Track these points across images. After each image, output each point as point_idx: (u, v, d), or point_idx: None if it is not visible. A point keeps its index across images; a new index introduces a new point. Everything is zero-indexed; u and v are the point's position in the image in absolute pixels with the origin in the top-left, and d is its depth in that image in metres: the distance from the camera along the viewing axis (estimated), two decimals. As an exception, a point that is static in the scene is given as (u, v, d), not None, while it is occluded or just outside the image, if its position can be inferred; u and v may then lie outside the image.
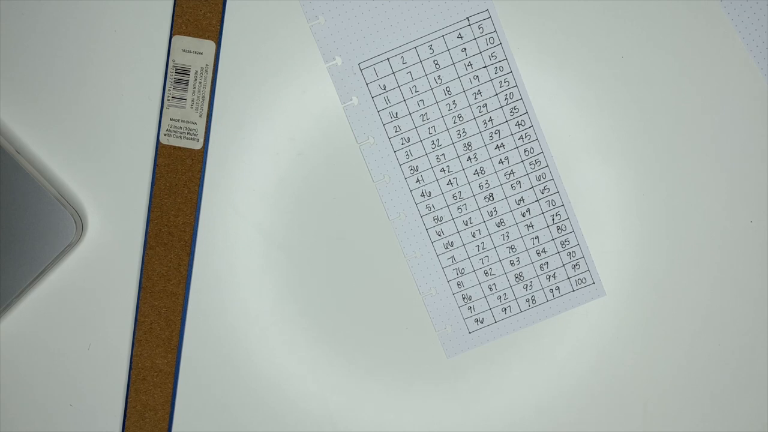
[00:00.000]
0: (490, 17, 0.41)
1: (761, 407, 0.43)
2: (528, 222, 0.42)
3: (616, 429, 0.43)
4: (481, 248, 0.42)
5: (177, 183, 0.41)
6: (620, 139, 0.42)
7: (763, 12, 0.42)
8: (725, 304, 0.43)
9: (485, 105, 0.41)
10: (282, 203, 0.42)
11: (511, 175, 0.42)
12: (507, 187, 0.42)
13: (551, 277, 0.42)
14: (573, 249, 0.42)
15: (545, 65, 0.42)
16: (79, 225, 0.40)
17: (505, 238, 0.42)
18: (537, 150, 0.42)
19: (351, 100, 0.41)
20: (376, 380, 0.42)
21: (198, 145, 0.41)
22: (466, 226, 0.42)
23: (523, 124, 0.42)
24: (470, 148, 0.42)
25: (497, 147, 0.42)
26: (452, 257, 0.42)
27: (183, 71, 0.41)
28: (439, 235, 0.42)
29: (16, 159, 0.40)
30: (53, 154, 0.41)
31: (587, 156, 0.42)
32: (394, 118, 0.41)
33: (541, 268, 0.42)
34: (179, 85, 0.41)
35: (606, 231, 0.42)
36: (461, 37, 0.41)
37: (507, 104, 0.41)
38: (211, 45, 0.41)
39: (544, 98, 0.42)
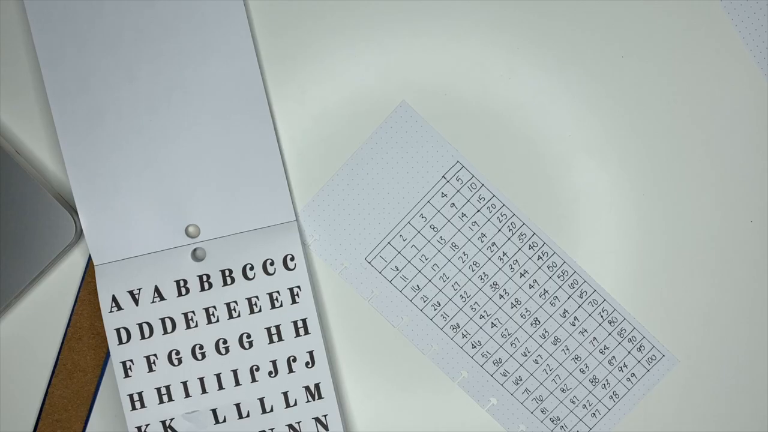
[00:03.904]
0: (463, 167, 0.42)
1: (761, 407, 0.43)
2: (580, 329, 0.43)
3: (617, 429, 0.43)
4: (549, 371, 0.43)
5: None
6: (620, 138, 0.43)
7: (763, 12, 0.42)
8: (725, 304, 0.43)
9: (494, 243, 0.42)
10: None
11: (546, 294, 0.43)
12: (547, 305, 0.43)
13: (623, 368, 0.43)
14: (632, 334, 0.43)
15: (545, 65, 0.42)
16: (79, 225, 0.40)
17: (566, 352, 0.43)
18: (559, 262, 0.42)
19: (371, 292, 0.42)
20: (376, 380, 0.43)
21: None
22: (525, 357, 0.43)
23: (535, 245, 0.42)
24: (497, 286, 0.42)
25: (521, 275, 0.42)
26: (526, 390, 0.43)
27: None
28: (515, 382, 0.43)
29: (16, 159, 0.40)
30: (53, 154, 0.42)
31: (587, 156, 0.43)
32: (417, 291, 0.42)
33: (610, 363, 0.43)
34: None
35: (606, 231, 0.43)
36: (445, 195, 0.42)
37: (513, 234, 0.42)
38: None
39: (544, 98, 0.42)
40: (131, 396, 0.40)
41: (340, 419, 0.41)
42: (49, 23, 0.41)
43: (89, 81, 0.41)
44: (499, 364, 0.43)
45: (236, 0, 0.41)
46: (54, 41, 0.41)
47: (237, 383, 0.41)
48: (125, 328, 0.40)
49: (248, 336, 0.41)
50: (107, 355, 0.42)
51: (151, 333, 0.41)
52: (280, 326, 0.41)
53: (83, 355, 0.42)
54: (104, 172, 0.41)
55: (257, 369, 0.41)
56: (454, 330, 0.42)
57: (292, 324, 0.41)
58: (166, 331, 0.41)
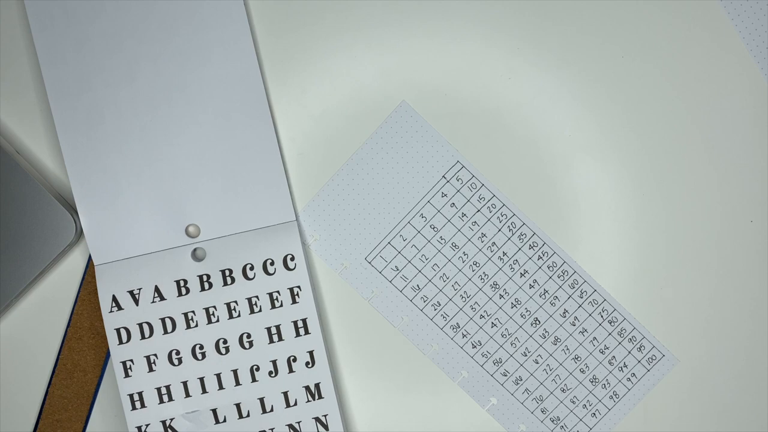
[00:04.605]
0: (463, 167, 0.42)
1: (761, 407, 0.43)
2: (580, 329, 0.43)
3: (617, 429, 0.43)
4: (549, 371, 0.43)
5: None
6: (620, 138, 0.43)
7: (763, 12, 0.42)
8: (725, 304, 0.43)
9: (494, 243, 0.42)
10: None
11: (546, 294, 0.43)
12: (547, 305, 0.43)
13: (623, 368, 0.43)
14: (632, 334, 0.43)
15: (545, 65, 0.42)
16: (79, 225, 0.40)
17: (566, 352, 0.43)
18: (559, 262, 0.42)
19: (371, 292, 0.42)
20: (376, 380, 0.43)
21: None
22: (525, 357, 0.43)
23: (535, 245, 0.42)
24: (497, 286, 0.42)
25: (521, 275, 0.42)
26: (526, 390, 0.43)
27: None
28: (515, 382, 0.43)
29: (16, 159, 0.40)
30: (53, 154, 0.42)
31: (587, 156, 0.43)
32: (417, 291, 0.42)
33: (610, 363, 0.43)
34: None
35: (606, 231, 0.43)
36: (445, 195, 0.42)
37: (513, 234, 0.42)
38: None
39: (544, 98, 0.42)
40: (131, 396, 0.40)
41: (340, 419, 0.41)
42: (49, 23, 0.41)
43: (89, 81, 0.41)
44: (499, 364, 0.43)
45: (236, 0, 0.41)
46: (54, 41, 0.41)
47: (237, 383, 0.41)
48: (125, 328, 0.41)
49: (248, 336, 0.41)
50: (107, 355, 0.42)
51: (151, 333, 0.41)
52: (280, 326, 0.41)
53: (83, 355, 0.42)
54: (104, 172, 0.41)
55: (257, 369, 0.41)
56: (454, 330, 0.42)
57: (292, 324, 0.41)
58: (166, 331, 0.41)
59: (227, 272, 0.41)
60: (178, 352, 0.41)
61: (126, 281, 0.40)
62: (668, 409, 0.43)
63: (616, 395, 0.43)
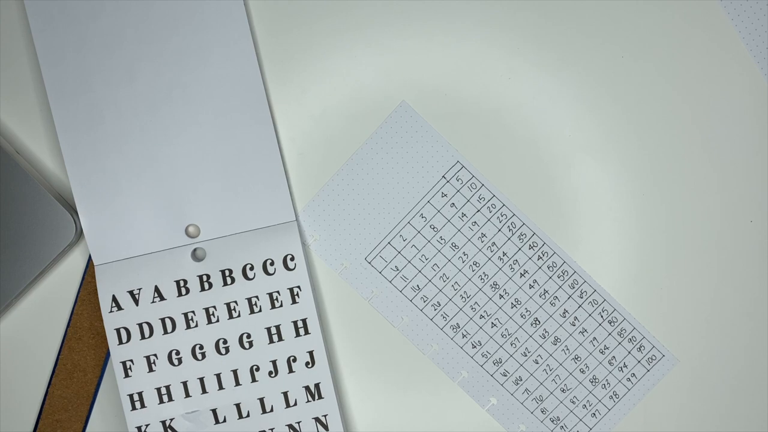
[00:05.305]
0: (463, 167, 0.42)
1: (761, 407, 0.43)
2: (580, 329, 0.43)
3: (617, 429, 0.43)
4: (549, 371, 0.43)
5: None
6: (620, 138, 0.43)
7: (763, 12, 0.42)
8: (725, 304, 0.43)
9: (494, 243, 0.42)
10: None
11: (546, 294, 0.43)
12: (547, 305, 0.43)
13: (623, 368, 0.43)
14: (632, 334, 0.43)
15: (545, 65, 0.42)
16: (79, 225, 0.41)
17: (566, 352, 0.43)
18: (559, 262, 0.42)
19: (371, 292, 0.42)
20: (376, 380, 0.43)
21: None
22: (525, 357, 0.43)
23: (535, 245, 0.42)
24: (497, 286, 0.42)
25: (521, 275, 0.42)
26: (526, 390, 0.43)
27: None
28: (515, 382, 0.43)
29: (16, 159, 0.40)
30: (53, 154, 0.42)
31: (587, 156, 0.43)
32: (417, 291, 0.42)
33: (610, 363, 0.43)
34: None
35: (606, 231, 0.43)
36: (445, 195, 0.42)
37: (513, 234, 0.42)
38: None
39: (544, 98, 0.42)
40: (131, 396, 0.40)
41: (340, 419, 0.41)
42: (49, 23, 0.41)
43: (89, 81, 0.41)
44: (499, 364, 0.43)
45: (236, 0, 0.41)
46: (54, 41, 0.41)
47: (237, 383, 0.41)
48: (125, 328, 0.41)
49: (248, 336, 0.41)
50: (107, 355, 0.42)
51: (151, 333, 0.41)
52: (280, 326, 0.41)
53: (83, 355, 0.42)
54: (104, 172, 0.41)
55: (257, 369, 0.41)
56: (454, 330, 0.42)
57: (292, 324, 0.41)
58: (166, 331, 0.41)
59: (227, 272, 0.41)
60: (178, 352, 0.41)
61: (126, 281, 0.40)
62: (668, 409, 0.43)
63: (616, 395, 0.43)
